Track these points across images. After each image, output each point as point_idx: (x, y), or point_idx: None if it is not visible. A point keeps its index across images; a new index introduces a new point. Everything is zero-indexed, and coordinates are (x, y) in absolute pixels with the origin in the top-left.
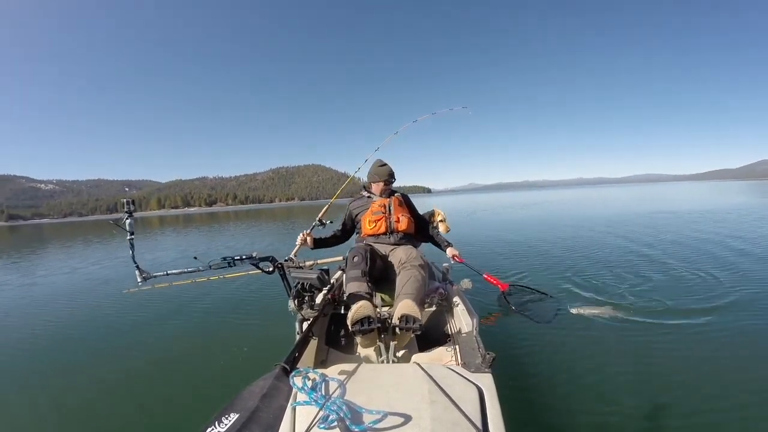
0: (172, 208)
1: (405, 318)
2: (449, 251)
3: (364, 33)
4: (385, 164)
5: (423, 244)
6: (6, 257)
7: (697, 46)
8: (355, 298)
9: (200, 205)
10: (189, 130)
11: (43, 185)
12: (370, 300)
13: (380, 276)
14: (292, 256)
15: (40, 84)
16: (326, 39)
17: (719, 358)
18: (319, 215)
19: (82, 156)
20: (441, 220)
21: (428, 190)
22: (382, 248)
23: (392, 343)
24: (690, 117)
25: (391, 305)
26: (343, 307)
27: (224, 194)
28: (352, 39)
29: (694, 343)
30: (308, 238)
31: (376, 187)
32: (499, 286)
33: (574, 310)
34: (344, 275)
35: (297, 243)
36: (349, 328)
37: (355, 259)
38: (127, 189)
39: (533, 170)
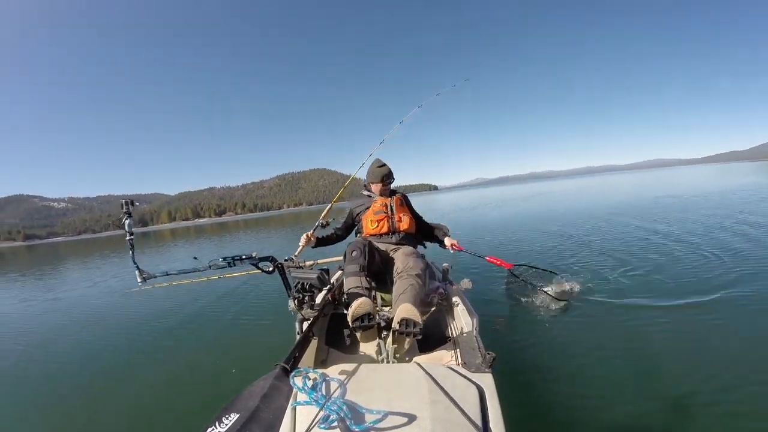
0: (183, 220)
1: (405, 322)
2: (447, 241)
3: (360, 33)
4: (384, 164)
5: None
6: (29, 275)
7: (697, 29)
8: (354, 295)
9: (210, 216)
10: (193, 142)
11: (55, 204)
12: (369, 295)
13: (379, 273)
14: (292, 256)
15: (41, 99)
16: (321, 41)
17: (727, 353)
18: (321, 216)
19: (92, 172)
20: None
21: (435, 188)
22: (383, 247)
23: (392, 346)
24: (698, 100)
25: (390, 305)
26: (343, 307)
27: (233, 203)
28: (348, 40)
29: (703, 336)
30: (312, 238)
31: (375, 188)
32: (504, 265)
33: (577, 300)
34: (343, 269)
35: (301, 244)
36: (350, 324)
37: (354, 253)
38: (137, 204)
39: (539, 161)
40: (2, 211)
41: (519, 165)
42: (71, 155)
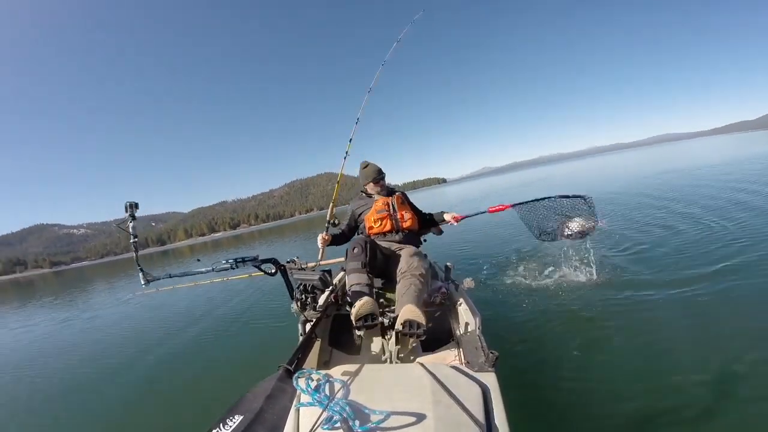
0: (199, 236)
1: (409, 323)
2: (447, 216)
3: (358, 25)
4: (368, 164)
5: (425, 245)
6: (63, 297)
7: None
8: (357, 294)
9: (225, 229)
10: (201, 157)
11: (75, 230)
12: (372, 293)
13: (383, 271)
14: (294, 258)
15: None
16: (308, 40)
17: (741, 350)
18: (328, 217)
19: (107, 197)
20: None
21: (443, 180)
22: (386, 245)
23: (396, 347)
24: (704, 70)
25: (393, 303)
26: (346, 307)
27: (246, 215)
28: (344, 35)
29: (716, 328)
30: (328, 237)
31: (372, 188)
32: (507, 207)
33: (580, 294)
34: (345, 267)
35: (320, 246)
36: (353, 323)
37: (355, 250)
38: (153, 224)
39: (546, 145)
40: (26, 241)
41: (526, 150)
42: (85, 183)
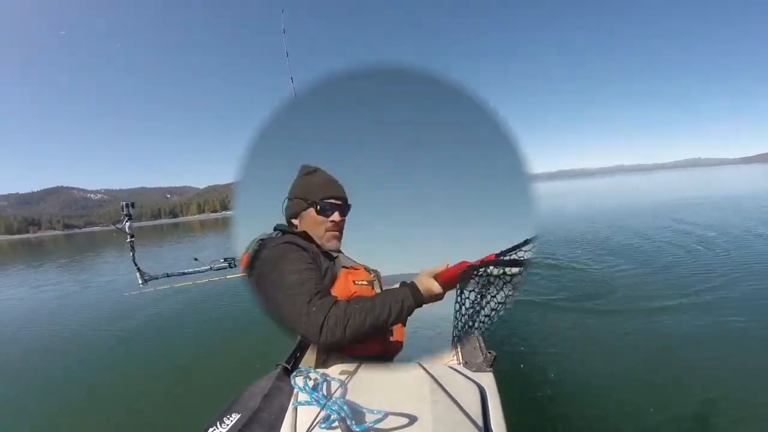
0: (212, 212)
1: None
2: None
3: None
4: None
5: None
6: (77, 261)
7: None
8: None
9: None
10: (222, 136)
11: (92, 195)
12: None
13: None
14: None
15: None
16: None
17: (722, 356)
18: None
19: (126, 166)
20: None
21: None
22: None
23: None
24: (739, 95)
25: None
26: None
27: None
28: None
29: (700, 342)
30: None
31: None
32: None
33: (578, 301)
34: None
35: None
36: None
37: None
38: (168, 196)
39: (565, 158)
40: (44, 202)
41: (548, 162)
42: (109, 149)
